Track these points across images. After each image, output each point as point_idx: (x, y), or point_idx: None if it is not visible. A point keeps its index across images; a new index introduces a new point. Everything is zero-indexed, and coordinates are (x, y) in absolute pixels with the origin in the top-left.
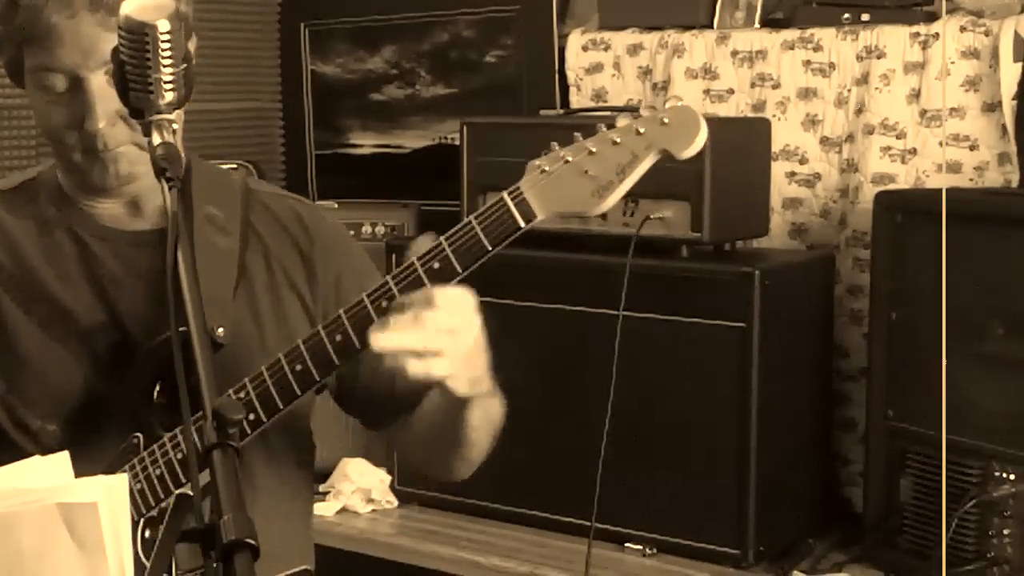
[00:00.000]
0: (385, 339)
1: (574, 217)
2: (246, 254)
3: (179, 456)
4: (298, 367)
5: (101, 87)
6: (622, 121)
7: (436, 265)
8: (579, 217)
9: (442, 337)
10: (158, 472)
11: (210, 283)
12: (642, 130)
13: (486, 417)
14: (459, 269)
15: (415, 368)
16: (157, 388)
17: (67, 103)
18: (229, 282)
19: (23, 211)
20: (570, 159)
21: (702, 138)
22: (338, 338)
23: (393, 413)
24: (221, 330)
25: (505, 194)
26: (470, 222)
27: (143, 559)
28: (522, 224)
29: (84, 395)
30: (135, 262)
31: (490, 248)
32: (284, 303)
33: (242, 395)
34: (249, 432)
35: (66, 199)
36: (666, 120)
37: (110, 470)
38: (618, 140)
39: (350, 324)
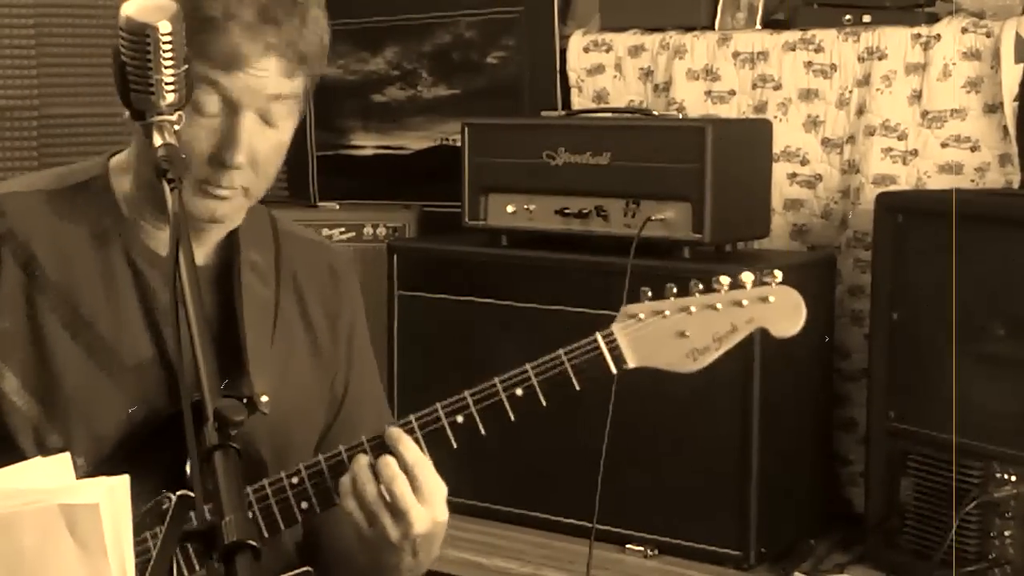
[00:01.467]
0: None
1: (666, 371)
2: (281, 304)
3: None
4: None
5: (252, 123)
6: (724, 286)
7: (519, 392)
8: (670, 372)
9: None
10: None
11: (255, 340)
12: (745, 303)
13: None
14: (543, 401)
15: (361, 522)
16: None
17: (214, 129)
18: (267, 334)
19: (75, 216)
20: (667, 315)
21: (802, 322)
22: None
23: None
24: (266, 398)
25: (599, 336)
26: (560, 356)
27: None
28: (614, 371)
29: (121, 435)
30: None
31: (577, 388)
32: (316, 347)
33: (295, 481)
34: (299, 520)
35: (120, 215)
36: (770, 299)
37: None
38: (719, 307)
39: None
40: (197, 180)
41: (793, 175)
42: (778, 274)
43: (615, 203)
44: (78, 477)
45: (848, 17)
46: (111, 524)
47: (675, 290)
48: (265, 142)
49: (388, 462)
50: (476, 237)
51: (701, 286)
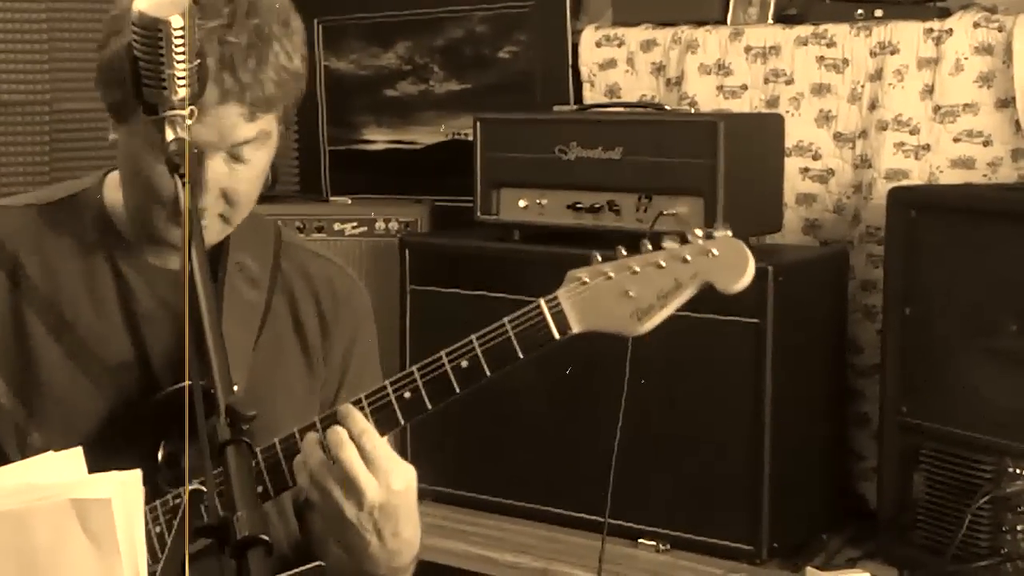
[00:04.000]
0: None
1: (610, 334)
2: (271, 308)
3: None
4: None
5: (218, 166)
6: (669, 244)
7: (464, 364)
8: (615, 335)
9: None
10: (158, 530)
11: (232, 334)
12: (688, 258)
13: None
14: (487, 372)
15: (317, 501)
16: (162, 448)
17: None
18: (251, 335)
19: (63, 228)
20: (612, 275)
21: (750, 275)
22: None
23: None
24: (236, 387)
25: (543, 302)
26: (504, 325)
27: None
28: (556, 336)
29: (101, 430)
30: (169, 299)
31: (521, 356)
32: (307, 354)
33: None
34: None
35: (110, 227)
36: (715, 252)
37: None
38: (663, 264)
39: (367, 404)
40: (167, 213)
41: (805, 170)
42: (726, 227)
43: (627, 198)
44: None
45: (860, 12)
46: (123, 519)
47: (624, 252)
48: (236, 179)
49: (335, 430)
50: (488, 232)
51: (651, 246)
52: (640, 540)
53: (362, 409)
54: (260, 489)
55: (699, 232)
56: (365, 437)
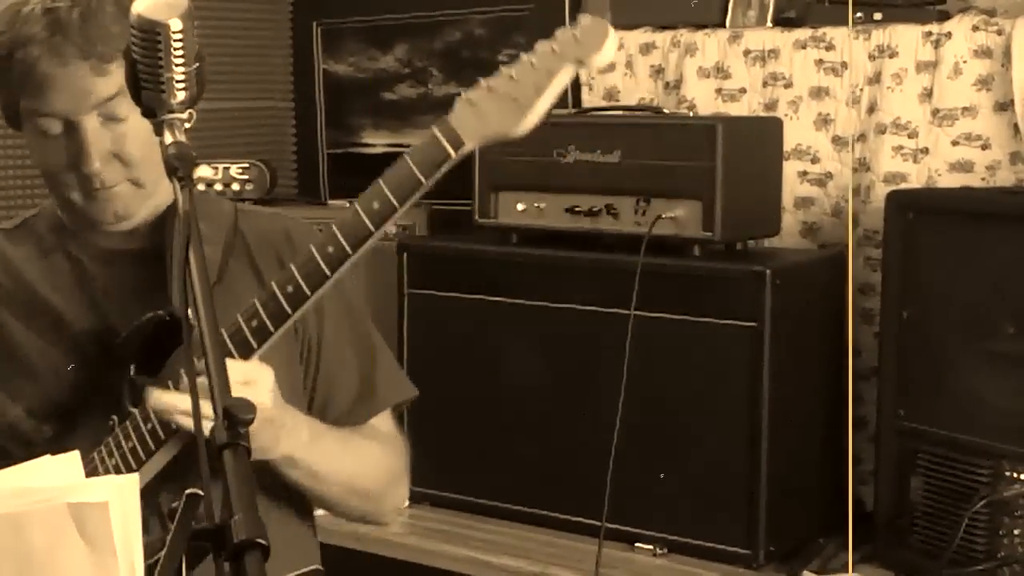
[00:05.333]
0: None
1: (499, 141)
2: (228, 261)
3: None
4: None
5: (95, 129)
6: (539, 44)
7: (376, 205)
8: (504, 140)
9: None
10: (130, 445)
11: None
12: (556, 48)
13: (328, 466)
14: (396, 204)
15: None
16: (133, 367)
17: (64, 146)
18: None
19: (24, 241)
20: (493, 86)
21: (612, 43)
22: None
23: None
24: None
25: (434, 127)
26: (403, 156)
27: None
28: (451, 152)
29: (73, 391)
30: (127, 278)
31: (423, 180)
32: None
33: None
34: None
35: (63, 228)
36: (577, 34)
37: (86, 455)
38: (535, 62)
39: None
40: (78, 189)
41: (804, 173)
42: (585, 14)
43: (625, 201)
44: (28, 428)
45: (859, 15)
46: (120, 523)
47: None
48: (120, 138)
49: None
50: (486, 235)
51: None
52: (637, 544)
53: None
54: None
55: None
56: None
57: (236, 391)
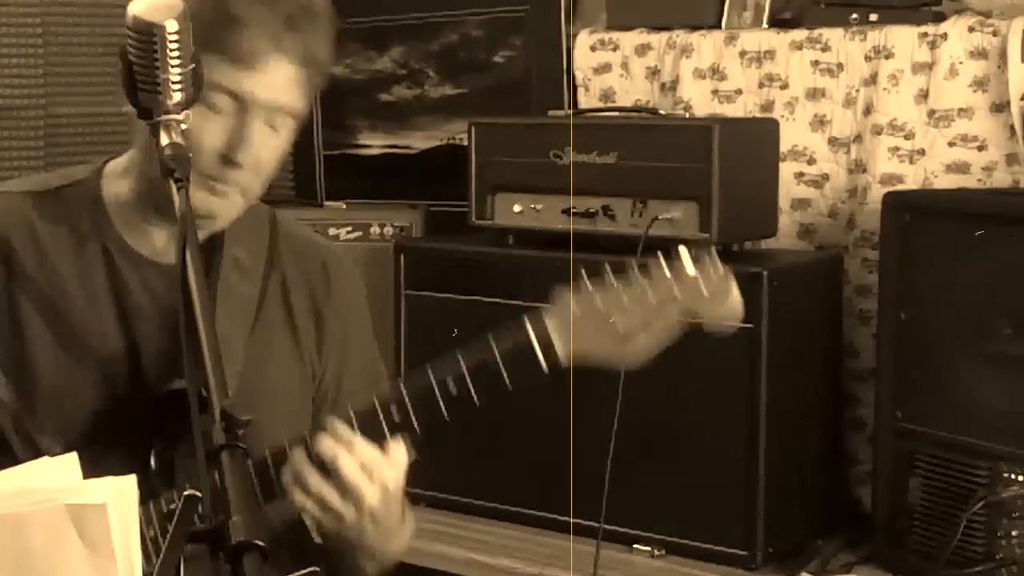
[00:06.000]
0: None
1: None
2: (265, 302)
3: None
4: None
5: (263, 127)
6: (657, 270)
7: (453, 390)
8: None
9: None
10: (152, 534)
11: (225, 329)
12: (678, 289)
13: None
14: (475, 399)
15: (315, 512)
16: (153, 452)
17: (222, 127)
18: (244, 330)
19: (55, 216)
20: (600, 305)
21: (735, 307)
22: None
23: None
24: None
25: (529, 324)
26: (490, 341)
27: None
28: (545, 370)
29: (93, 423)
30: (159, 293)
31: (510, 388)
32: (298, 346)
33: None
34: None
35: (103, 214)
36: (702, 283)
37: None
38: (651, 296)
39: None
40: (202, 175)
41: (800, 174)
42: (714, 257)
43: (622, 202)
44: (45, 447)
45: (855, 16)
46: (118, 524)
47: (614, 281)
48: (269, 147)
49: (327, 442)
50: (483, 236)
51: (638, 269)
52: (635, 545)
53: (352, 426)
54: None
55: (688, 255)
56: (356, 446)
57: (389, 489)
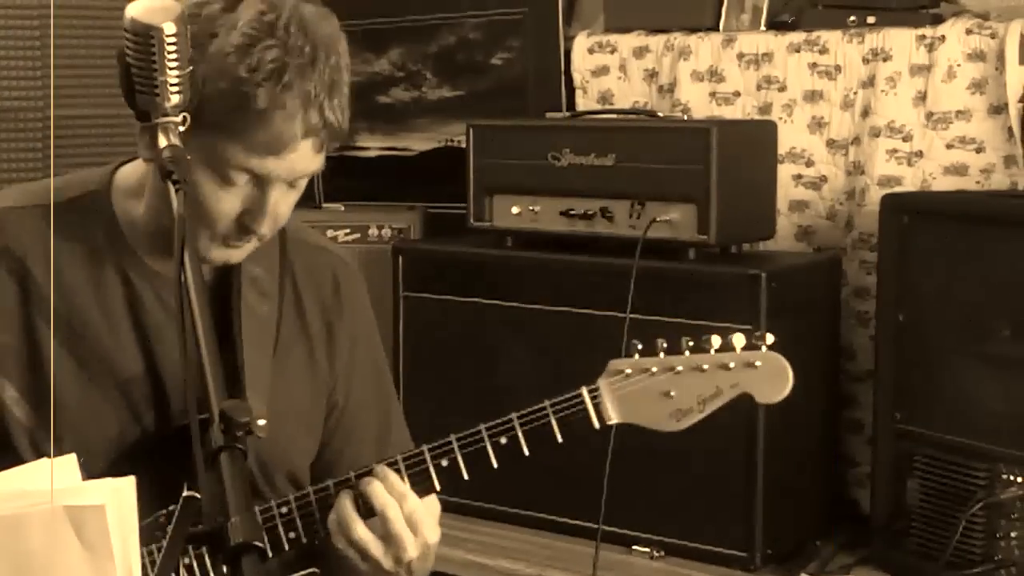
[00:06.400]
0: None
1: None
2: (282, 319)
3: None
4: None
5: (280, 197)
6: (713, 347)
7: (503, 440)
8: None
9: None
10: (185, 562)
11: (252, 359)
12: (731, 366)
13: None
14: (525, 451)
15: (355, 559)
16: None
17: (240, 196)
18: (268, 352)
19: (70, 234)
20: (654, 372)
21: (787, 390)
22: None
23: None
24: (262, 422)
25: (585, 391)
26: (546, 407)
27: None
28: (596, 426)
29: (115, 449)
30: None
31: (559, 440)
32: (312, 359)
33: (284, 511)
34: (287, 548)
35: (118, 232)
36: (757, 364)
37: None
38: (705, 368)
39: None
40: (219, 235)
41: (798, 176)
42: (769, 339)
43: (620, 204)
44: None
45: (853, 18)
46: (117, 526)
47: (665, 346)
48: (287, 203)
49: (377, 490)
50: (481, 238)
51: (692, 343)
52: (634, 547)
53: (398, 471)
54: (292, 536)
55: (740, 341)
56: (406, 500)
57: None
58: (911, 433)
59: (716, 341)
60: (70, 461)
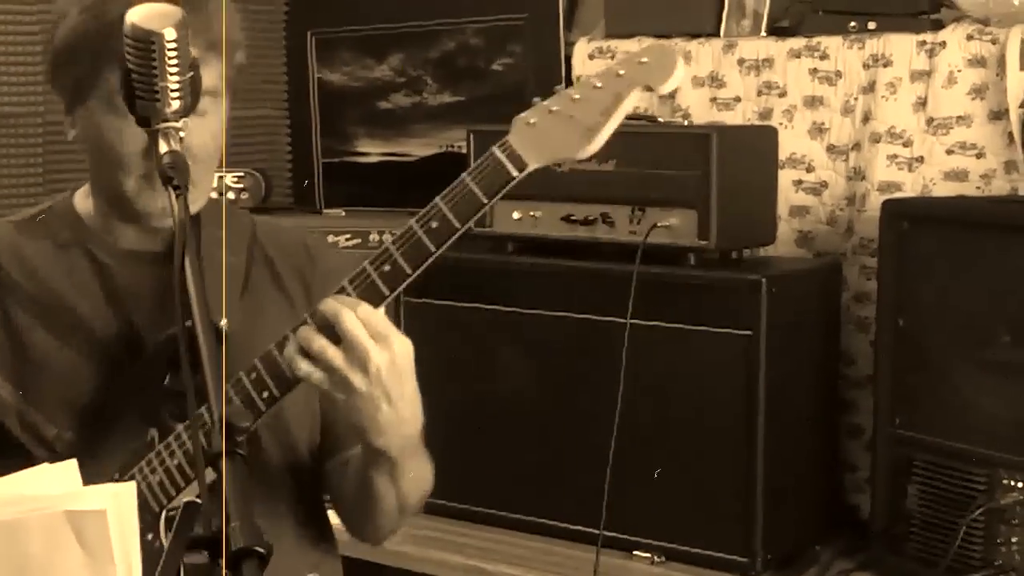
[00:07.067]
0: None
1: (564, 162)
2: (252, 270)
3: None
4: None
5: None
6: (604, 69)
7: (434, 224)
8: (569, 162)
9: (364, 368)
10: (176, 462)
11: (215, 290)
12: (622, 72)
13: (406, 483)
14: (457, 225)
15: (322, 382)
16: (167, 378)
17: (142, 131)
18: (235, 291)
19: (37, 235)
20: (554, 108)
21: (680, 72)
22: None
23: (327, 451)
24: (224, 322)
25: (495, 148)
26: (463, 179)
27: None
28: (515, 173)
29: (99, 400)
30: (148, 279)
31: (485, 200)
32: (286, 317)
33: (253, 376)
34: (264, 409)
35: (81, 225)
36: (644, 60)
37: (124, 468)
38: (599, 84)
39: (351, 288)
40: (138, 176)
41: (799, 182)
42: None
43: (620, 210)
44: (63, 448)
45: (853, 24)
46: (118, 530)
47: (562, 88)
48: (196, 133)
49: (328, 302)
50: (481, 244)
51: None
52: (634, 552)
53: (347, 294)
54: (266, 395)
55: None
56: (359, 307)
57: (396, 352)
58: (911, 438)
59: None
60: (70, 466)
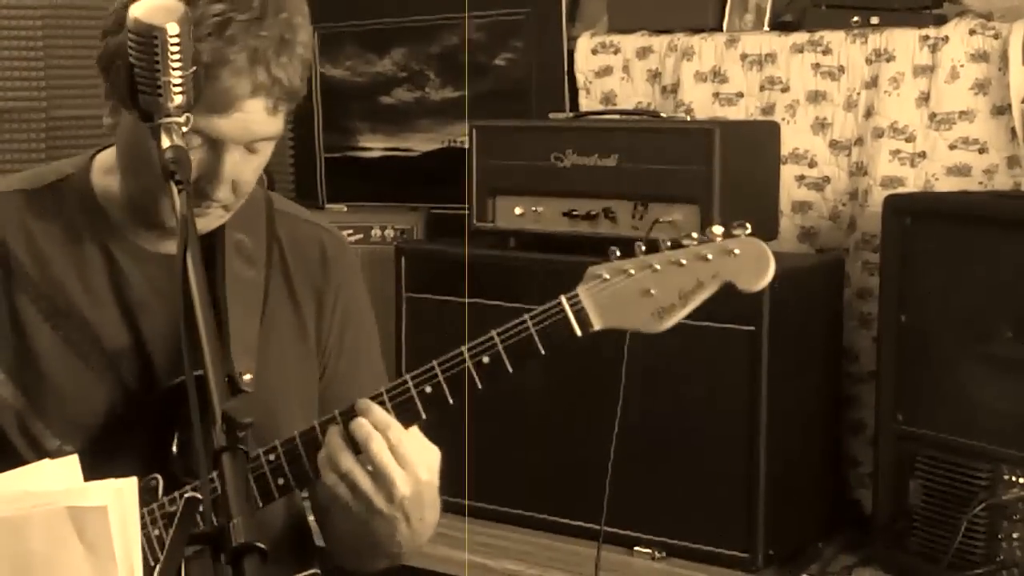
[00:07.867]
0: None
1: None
2: (270, 286)
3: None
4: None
5: (235, 159)
6: (689, 241)
7: (485, 360)
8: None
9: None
10: (156, 532)
11: (238, 320)
12: (710, 257)
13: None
14: (509, 368)
15: (346, 496)
16: (176, 438)
17: (196, 160)
18: (255, 315)
19: (49, 214)
20: (632, 273)
21: (770, 274)
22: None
23: None
24: (248, 376)
25: (564, 299)
26: (525, 321)
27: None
28: (578, 333)
29: (105, 419)
30: (162, 285)
31: (543, 353)
32: (303, 328)
33: (271, 458)
34: (277, 496)
35: (98, 209)
36: (736, 252)
37: None
38: (684, 263)
39: (388, 398)
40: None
41: (801, 177)
42: (747, 226)
43: (623, 205)
44: (52, 449)
45: (856, 19)
46: (119, 527)
47: (644, 248)
48: (247, 169)
49: (361, 423)
50: (484, 239)
51: (670, 242)
52: (636, 548)
53: (383, 403)
54: (281, 482)
55: (718, 230)
56: (391, 431)
57: (422, 480)
58: (913, 434)
59: (695, 235)
60: (71, 462)
